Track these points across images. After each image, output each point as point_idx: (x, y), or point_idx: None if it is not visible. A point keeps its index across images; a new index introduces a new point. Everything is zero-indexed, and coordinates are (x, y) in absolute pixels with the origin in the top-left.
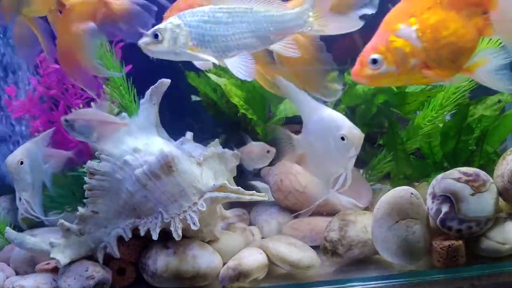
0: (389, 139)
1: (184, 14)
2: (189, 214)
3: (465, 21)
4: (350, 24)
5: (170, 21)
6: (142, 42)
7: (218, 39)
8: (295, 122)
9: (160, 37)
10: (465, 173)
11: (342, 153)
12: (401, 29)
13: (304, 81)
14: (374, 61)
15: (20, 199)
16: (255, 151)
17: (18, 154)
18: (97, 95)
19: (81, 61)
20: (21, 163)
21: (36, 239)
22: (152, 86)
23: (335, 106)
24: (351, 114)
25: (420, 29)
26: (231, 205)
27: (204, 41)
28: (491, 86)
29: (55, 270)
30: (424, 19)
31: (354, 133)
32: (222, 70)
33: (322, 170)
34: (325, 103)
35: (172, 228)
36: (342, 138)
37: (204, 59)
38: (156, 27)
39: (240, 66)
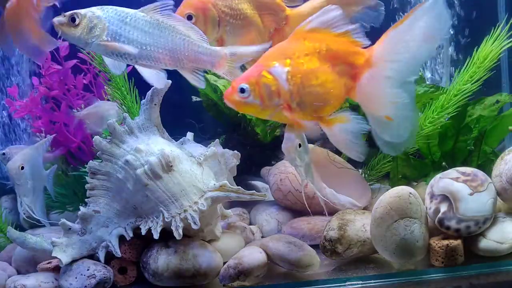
0: None
1: (108, 9)
2: (190, 214)
3: (336, 77)
4: None
5: (92, 10)
6: (57, 20)
7: (132, 44)
8: None
9: (77, 21)
10: (463, 173)
11: None
12: (275, 67)
13: None
14: (242, 90)
15: (21, 203)
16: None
17: (18, 160)
18: (98, 96)
19: (28, 30)
20: (22, 168)
21: (38, 239)
22: (153, 87)
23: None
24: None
25: (291, 72)
26: (231, 204)
27: (118, 41)
28: (340, 146)
29: (56, 269)
30: (298, 64)
31: None
32: None
33: None
34: None
35: (173, 228)
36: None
37: (114, 57)
38: (76, 10)
39: (152, 73)
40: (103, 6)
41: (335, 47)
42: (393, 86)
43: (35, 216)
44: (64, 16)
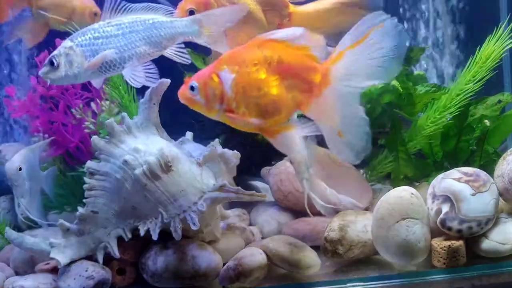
0: (391, 139)
1: (75, 36)
2: (189, 214)
3: (283, 90)
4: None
5: (63, 45)
6: (41, 72)
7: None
8: None
9: (55, 63)
10: (465, 173)
11: None
12: (224, 72)
13: None
14: (192, 88)
15: (18, 205)
16: None
17: (16, 161)
18: (97, 95)
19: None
20: (20, 169)
21: (36, 239)
22: (152, 86)
23: None
24: None
25: (236, 79)
26: (231, 205)
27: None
28: (284, 151)
29: (54, 270)
30: (244, 72)
31: None
32: None
33: None
34: None
35: (172, 228)
36: None
37: (107, 73)
38: (51, 55)
39: (132, 74)
40: (70, 36)
41: (287, 60)
42: (349, 104)
43: (32, 217)
44: (45, 65)
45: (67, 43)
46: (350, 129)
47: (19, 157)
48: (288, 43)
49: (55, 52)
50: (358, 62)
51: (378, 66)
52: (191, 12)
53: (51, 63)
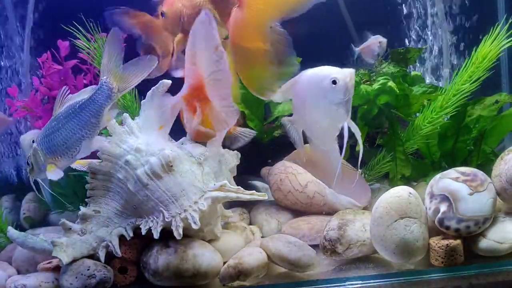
0: (388, 139)
1: (38, 136)
2: (190, 214)
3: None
4: None
5: (32, 147)
6: (28, 172)
7: (61, 143)
8: None
9: (30, 165)
10: (463, 173)
11: (337, 100)
12: None
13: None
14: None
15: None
16: None
17: (30, 134)
18: None
19: None
20: (33, 141)
21: (38, 238)
22: (154, 87)
23: None
24: (353, 113)
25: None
26: (231, 204)
27: (54, 151)
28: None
29: (56, 269)
30: None
31: (344, 72)
32: None
33: (323, 133)
34: None
35: (173, 227)
36: (334, 82)
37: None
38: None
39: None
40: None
41: None
42: None
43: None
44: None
45: (34, 144)
46: None
47: (32, 132)
48: None
49: (27, 154)
50: None
51: None
52: (163, 14)
53: (27, 163)
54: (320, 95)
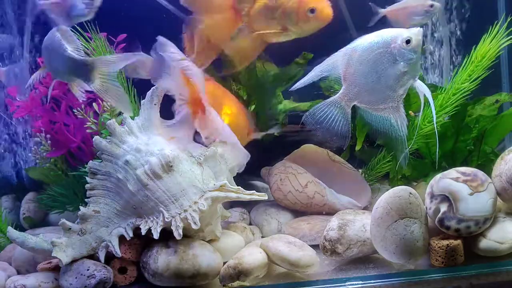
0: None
1: None
2: (190, 214)
3: None
4: None
5: None
6: None
7: None
8: (295, 123)
9: None
10: (463, 173)
11: (412, 59)
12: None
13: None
14: None
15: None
16: None
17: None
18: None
19: None
20: None
21: (38, 239)
22: (153, 87)
23: None
24: (353, 112)
25: None
26: (231, 204)
27: None
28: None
29: (56, 269)
30: None
31: (413, 31)
32: None
33: (387, 99)
34: None
35: (173, 228)
36: (407, 42)
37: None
38: None
39: None
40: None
41: None
42: None
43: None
44: None
45: None
46: None
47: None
48: None
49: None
50: None
51: None
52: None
53: None
54: (390, 57)
